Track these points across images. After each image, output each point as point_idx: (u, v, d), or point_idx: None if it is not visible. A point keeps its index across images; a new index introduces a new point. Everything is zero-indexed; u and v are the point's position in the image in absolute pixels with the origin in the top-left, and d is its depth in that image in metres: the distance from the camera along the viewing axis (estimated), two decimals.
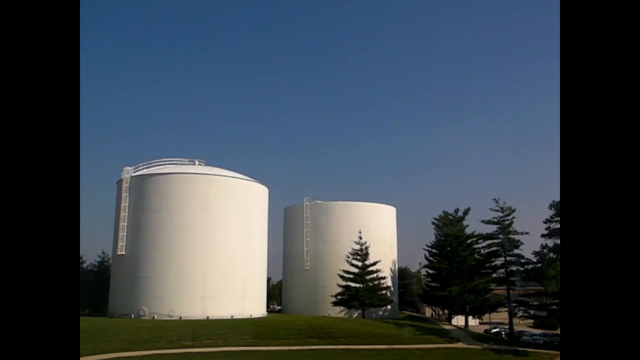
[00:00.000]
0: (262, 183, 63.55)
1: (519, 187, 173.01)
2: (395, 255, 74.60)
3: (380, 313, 66.66)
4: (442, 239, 67.05)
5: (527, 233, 58.25)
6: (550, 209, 55.27)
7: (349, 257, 62.61)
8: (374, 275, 62.36)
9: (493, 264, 60.61)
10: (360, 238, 62.23)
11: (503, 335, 58.95)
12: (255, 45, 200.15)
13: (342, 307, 64.07)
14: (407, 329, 53.12)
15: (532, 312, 61.75)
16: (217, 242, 55.38)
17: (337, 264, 64.43)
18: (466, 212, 67.97)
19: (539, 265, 57.14)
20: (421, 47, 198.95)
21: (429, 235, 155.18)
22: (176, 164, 60.83)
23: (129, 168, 57.55)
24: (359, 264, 62.09)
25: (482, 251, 62.56)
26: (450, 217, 68.40)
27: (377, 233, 68.31)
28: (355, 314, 65.15)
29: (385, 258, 68.70)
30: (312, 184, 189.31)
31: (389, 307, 68.03)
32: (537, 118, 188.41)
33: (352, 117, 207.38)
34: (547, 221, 54.93)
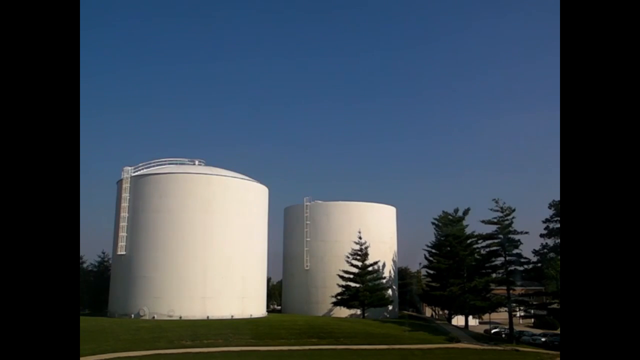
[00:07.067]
0: (262, 183, 63.56)
1: (519, 187, 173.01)
2: (395, 255, 74.63)
3: (378, 312, 66.62)
4: (442, 239, 67.02)
5: (526, 233, 58.23)
6: (550, 209, 55.47)
7: (348, 257, 62.61)
8: (374, 275, 62.35)
9: (493, 263, 60.61)
10: (360, 238, 62.22)
11: (503, 335, 58.97)
12: (255, 45, 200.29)
13: (346, 308, 64.09)
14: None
15: (532, 311, 61.76)
16: (217, 242, 55.39)
17: (337, 264, 64.43)
18: (466, 212, 67.96)
19: (539, 264, 57.21)
20: (421, 46, 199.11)
21: (429, 235, 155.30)
22: (176, 164, 60.87)
23: (129, 168, 57.59)
24: (359, 264, 62.08)
25: (482, 251, 62.58)
26: (450, 217, 68.39)
27: (377, 233, 68.31)
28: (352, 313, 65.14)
29: (385, 258, 68.76)
30: (312, 184, 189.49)
31: (390, 308, 67.99)
32: (537, 117, 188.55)
33: (353, 117, 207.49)
34: (546, 221, 55.13)
